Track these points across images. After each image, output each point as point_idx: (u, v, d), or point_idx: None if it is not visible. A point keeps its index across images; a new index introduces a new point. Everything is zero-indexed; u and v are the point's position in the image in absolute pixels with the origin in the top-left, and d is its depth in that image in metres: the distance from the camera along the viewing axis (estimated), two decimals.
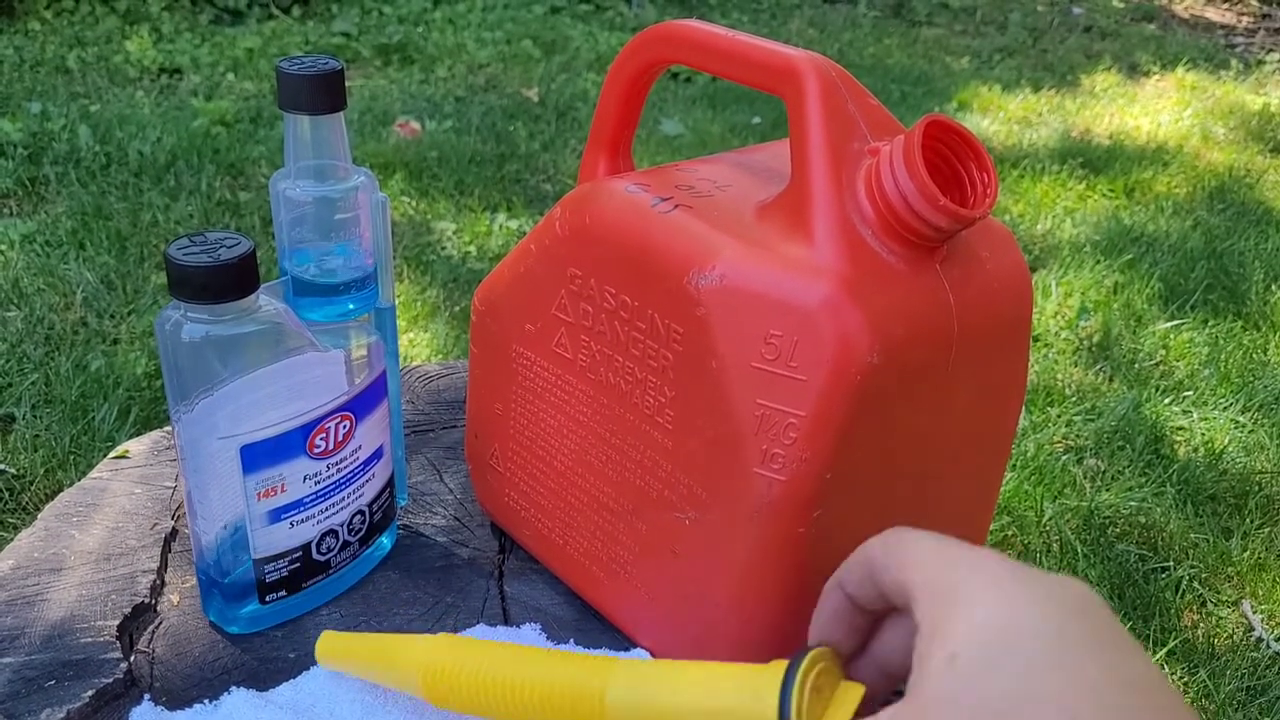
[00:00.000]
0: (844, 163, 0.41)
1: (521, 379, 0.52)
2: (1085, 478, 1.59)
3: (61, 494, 0.60)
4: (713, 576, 0.44)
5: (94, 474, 0.62)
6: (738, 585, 0.43)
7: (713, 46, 0.44)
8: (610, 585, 0.50)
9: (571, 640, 0.51)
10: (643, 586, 0.48)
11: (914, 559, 0.31)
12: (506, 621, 0.52)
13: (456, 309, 1.91)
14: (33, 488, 1.41)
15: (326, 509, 0.50)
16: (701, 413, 0.42)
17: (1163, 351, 1.94)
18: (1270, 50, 4.07)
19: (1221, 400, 1.79)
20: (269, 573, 0.50)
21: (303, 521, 0.49)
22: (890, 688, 0.36)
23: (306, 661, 0.49)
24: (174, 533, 0.57)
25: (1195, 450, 1.67)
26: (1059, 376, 1.84)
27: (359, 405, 0.50)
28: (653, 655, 0.49)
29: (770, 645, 0.45)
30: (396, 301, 1.54)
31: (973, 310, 0.42)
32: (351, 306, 0.51)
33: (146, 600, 0.52)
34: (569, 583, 0.53)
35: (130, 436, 1.48)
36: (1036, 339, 1.94)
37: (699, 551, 0.44)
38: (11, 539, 0.56)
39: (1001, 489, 1.36)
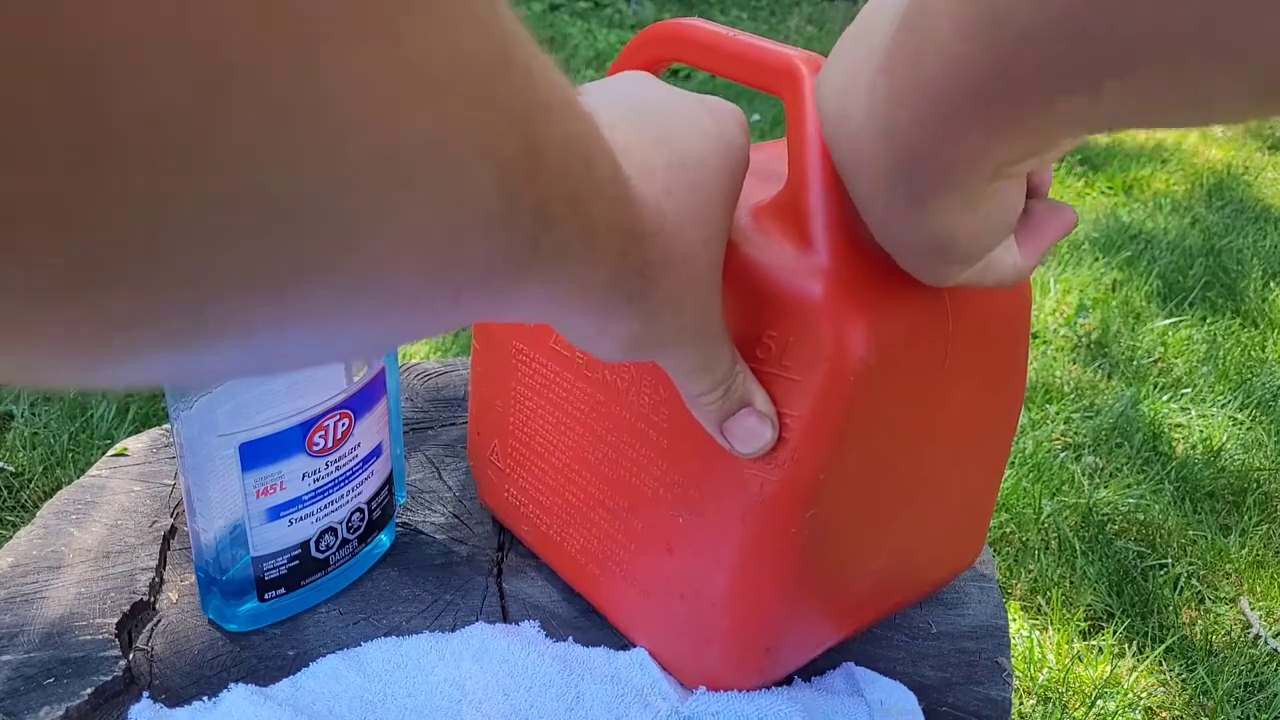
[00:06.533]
0: None
1: (521, 375, 0.52)
2: (1083, 475, 1.59)
3: (60, 492, 0.60)
4: (706, 575, 0.44)
5: (93, 471, 0.62)
6: (731, 584, 0.43)
7: (713, 45, 0.44)
8: (606, 582, 0.50)
9: (570, 638, 0.51)
10: (637, 583, 0.48)
11: None
12: (505, 619, 0.53)
13: None
14: (31, 485, 1.41)
15: (325, 506, 0.50)
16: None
17: (1161, 349, 1.94)
18: None
19: (1219, 397, 1.79)
20: (268, 570, 0.50)
21: (301, 519, 0.49)
22: None
23: (305, 659, 0.49)
24: (173, 530, 0.57)
25: (1193, 447, 1.67)
26: (1057, 374, 1.84)
27: (358, 403, 0.50)
28: (650, 653, 0.49)
29: (765, 645, 0.45)
30: None
31: (969, 309, 0.42)
32: None
33: (145, 598, 0.52)
34: (567, 579, 0.54)
35: (129, 434, 1.49)
36: (1035, 336, 1.94)
37: (693, 550, 0.44)
38: (10, 537, 0.56)
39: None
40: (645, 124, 0.32)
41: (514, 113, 0.19)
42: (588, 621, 0.53)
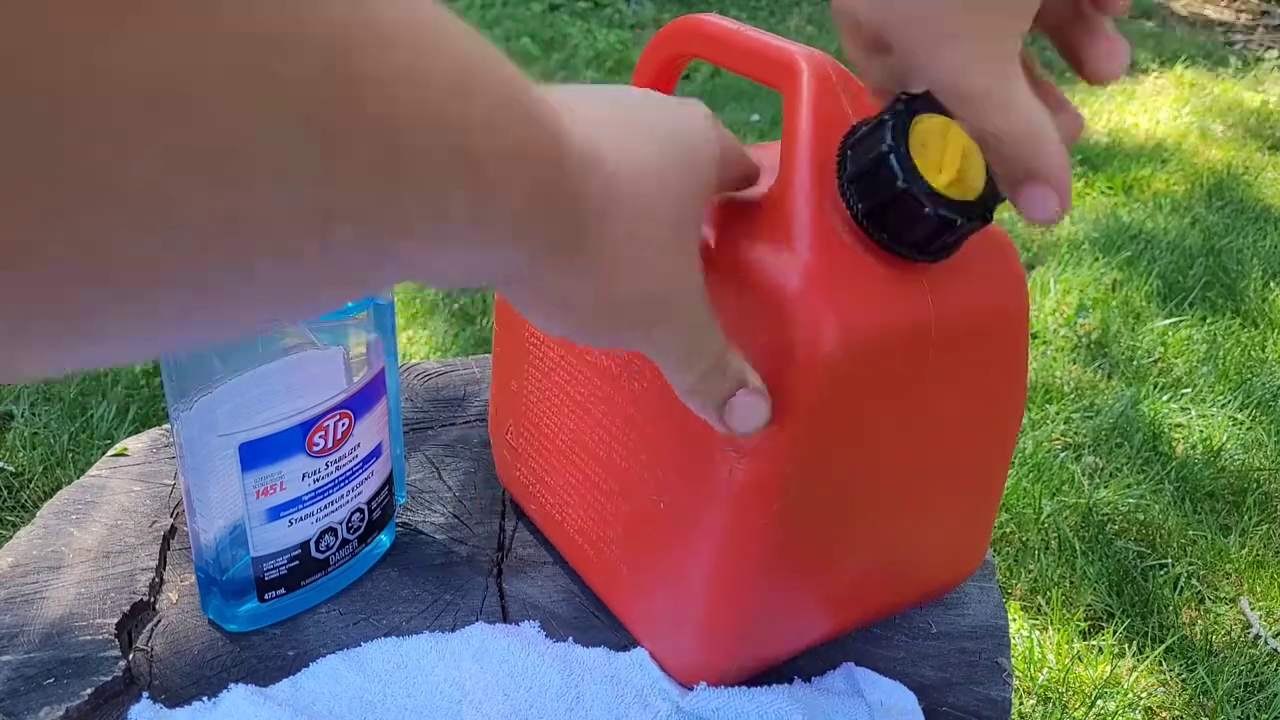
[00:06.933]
0: (830, 159, 0.41)
1: (533, 358, 0.54)
2: (1083, 475, 1.59)
3: (60, 492, 0.60)
4: (684, 560, 0.45)
5: (93, 471, 0.62)
6: (704, 570, 0.44)
7: (726, 40, 0.44)
8: (598, 562, 0.51)
9: (570, 638, 0.51)
10: (625, 564, 0.49)
11: None
12: (505, 619, 0.53)
13: (455, 306, 1.91)
14: (31, 485, 1.41)
15: (325, 507, 0.50)
16: (673, 399, 0.43)
17: (1161, 349, 1.94)
18: (1268, 47, 4.07)
19: (1219, 397, 1.79)
20: (268, 570, 0.50)
21: (301, 519, 0.49)
22: None
23: (305, 659, 0.49)
24: (173, 530, 0.57)
25: (1193, 447, 1.67)
26: (1057, 374, 1.84)
27: (358, 403, 0.50)
28: (636, 636, 0.49)
29: (738, 632, 0.46)
30: (395, 298, 1.53)
31: (956, 311, 0.42)
32: (349, 303, 0.51)
33: (145, 598, 0.52)
34: (566, 557, 0.55)
35: (129, 434, 1.48)
36: (1035, 336, 1.94)
37: (672, 536, 0.45)
38: (10, 537, 0.56)
39: None
40: (614, 106, 0.33)
41: (316, 41, 0.17)
42: (588, 622, 0.53)
